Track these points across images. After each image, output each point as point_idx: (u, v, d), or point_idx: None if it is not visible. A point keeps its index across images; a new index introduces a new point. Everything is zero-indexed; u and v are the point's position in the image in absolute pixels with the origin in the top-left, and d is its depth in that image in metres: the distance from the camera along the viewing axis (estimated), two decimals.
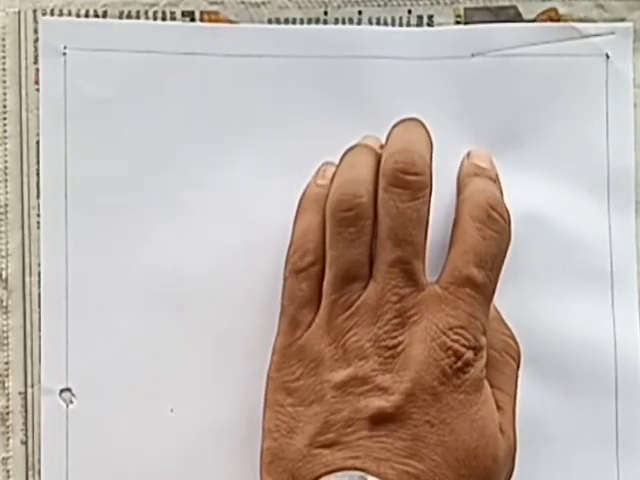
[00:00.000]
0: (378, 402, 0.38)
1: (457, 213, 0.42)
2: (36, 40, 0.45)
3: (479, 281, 0.40)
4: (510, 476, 0.40)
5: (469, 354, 0.39)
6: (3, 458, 0.44)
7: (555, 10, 0.46)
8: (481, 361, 0.39)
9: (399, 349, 0.39)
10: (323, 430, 0.38)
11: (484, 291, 0.40)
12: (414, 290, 0.39)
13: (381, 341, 0.39)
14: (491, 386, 0.40)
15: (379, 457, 0.37)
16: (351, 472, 0.37)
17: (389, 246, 0.39)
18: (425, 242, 0.40)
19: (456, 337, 0.39)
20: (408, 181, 0.40)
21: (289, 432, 0.39)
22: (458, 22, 0.46)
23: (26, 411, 0.44)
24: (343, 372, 0.39)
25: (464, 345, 0.39)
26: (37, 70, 0.45)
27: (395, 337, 0.39)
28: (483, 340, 0.39)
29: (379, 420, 0.38)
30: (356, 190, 0.40)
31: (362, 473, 0.37)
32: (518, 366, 0.42)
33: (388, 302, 0.39)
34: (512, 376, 0.41)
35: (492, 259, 0.40)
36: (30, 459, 0.44)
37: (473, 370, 0.39)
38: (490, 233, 0.40)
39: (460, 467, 0.38)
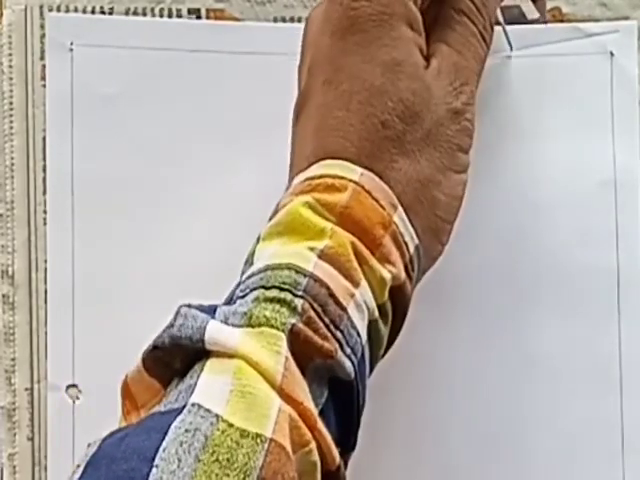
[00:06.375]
0: None
1: None
2: (42, 36, 0.45)
3: None
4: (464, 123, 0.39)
5: None
6: (10, 454, 0.44)
7: (559, 9, 0.46)
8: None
9: None
10: None
11: None
12: None
13: None
14: (439, 41, 0.40)
15: None
16: None
17: None
18: None
19: None
20: None
21: None
22: None
23: (32, 407, 0.44)
24: None
25: None
26: (43, 66, 0.45)
27: None
28: None
29: None
30: None
31: None
32: (485, 30, 0.41)
33: None
34: (465, 35, 0.40)
35: None
36: (36, 455, 0.44)
37: (365, 3, 0.38)
38: None
39: (367, 107, 0.37)
